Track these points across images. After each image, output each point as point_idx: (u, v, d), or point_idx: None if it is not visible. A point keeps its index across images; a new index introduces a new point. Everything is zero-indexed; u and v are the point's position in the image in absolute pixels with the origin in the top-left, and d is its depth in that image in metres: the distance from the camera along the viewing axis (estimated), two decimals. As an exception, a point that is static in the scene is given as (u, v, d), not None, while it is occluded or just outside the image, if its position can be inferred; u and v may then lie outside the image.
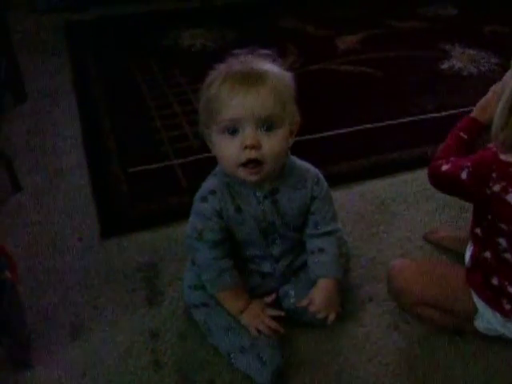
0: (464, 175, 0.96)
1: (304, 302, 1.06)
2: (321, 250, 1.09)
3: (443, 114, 1.90)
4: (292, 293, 1.12)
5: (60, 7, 2.83)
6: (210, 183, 1.05)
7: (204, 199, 1.04)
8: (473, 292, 1.05)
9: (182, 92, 2.05)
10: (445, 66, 2.26)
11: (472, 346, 1.10)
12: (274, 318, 1.07)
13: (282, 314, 1.09)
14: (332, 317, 1.06)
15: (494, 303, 1.02)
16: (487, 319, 1.05)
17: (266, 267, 1.12)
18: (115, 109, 1.96)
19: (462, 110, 1.90)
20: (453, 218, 1.43)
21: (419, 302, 1.10)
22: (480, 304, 1.04)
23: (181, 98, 2.01)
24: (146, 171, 1.62)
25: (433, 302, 1.08)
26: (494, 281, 1.02)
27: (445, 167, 1.02)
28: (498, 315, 1.03)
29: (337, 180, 1.51)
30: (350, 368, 1.06)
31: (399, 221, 1.43)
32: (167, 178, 1.59)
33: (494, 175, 0.93)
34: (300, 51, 2.37)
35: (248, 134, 0.93)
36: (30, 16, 2.77)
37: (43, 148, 1.74)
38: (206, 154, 1.62)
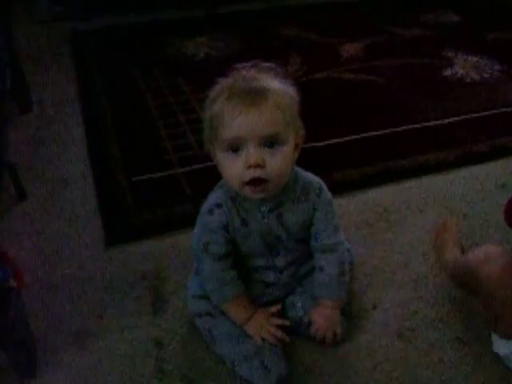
0: None
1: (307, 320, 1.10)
2: (321, 270, 1.10)
3: (446, 121, 1.90)
4: (299, 304, 1.12)
5: (62, 17, 2.85)
6: (216, 196, 1.05)
7: (210, 212, 1.03)
8: None
9: (186, 101, 2.06)
10: (447, 73, 2.26)
11: (478, 355, 1.09)
12: (278, 326, 1.07)
13: (288, 323, 1.09)
14: (329, 337, 1.08)
15: None
16: None
17: (270, 277, 1.12)
18: (119, 118, 1.97)
19: (464, 117, 1.92)
20: (456, 225, 1.42)
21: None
22: None
23: (185, 106, 2.02)
24: (150, 180, 1.62)
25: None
26: None
27: None
28: None
29: (340, 188, 1.52)
30: (354, 376, 1.06)
31: (403, 228, 1.43)
32: (171, 186, 1.59)
33: None
34: (303, 59, 2.38)
35: (252, 153, 0.92)
36: (35, 26, 2.79)
37: (48, 157, 1.75)
38: (210, 163, 1.65)
